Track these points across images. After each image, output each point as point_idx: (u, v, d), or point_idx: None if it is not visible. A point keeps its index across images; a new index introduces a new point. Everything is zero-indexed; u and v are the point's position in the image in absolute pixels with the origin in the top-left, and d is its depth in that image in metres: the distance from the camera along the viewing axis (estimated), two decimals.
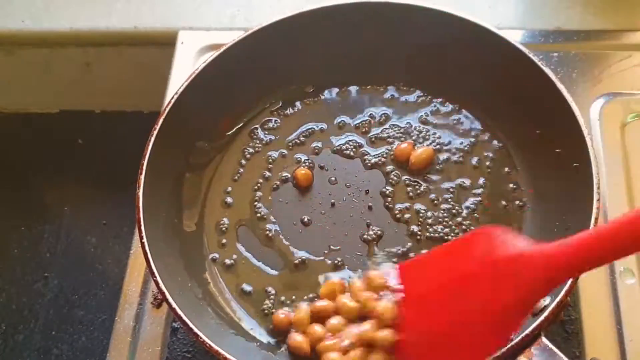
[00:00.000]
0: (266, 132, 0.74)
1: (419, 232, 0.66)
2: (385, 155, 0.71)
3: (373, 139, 0.72)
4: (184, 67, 0.83)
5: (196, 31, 0.88)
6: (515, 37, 0.70)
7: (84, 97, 1.05)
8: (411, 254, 0.64)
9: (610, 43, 0.81)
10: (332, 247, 0.65)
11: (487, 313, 0.47)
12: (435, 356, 0.50)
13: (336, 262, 0.64)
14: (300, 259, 0.65)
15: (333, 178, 0.70)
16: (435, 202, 0.67)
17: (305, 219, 0.68)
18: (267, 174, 0.71)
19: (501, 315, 0.46)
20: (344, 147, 0.72)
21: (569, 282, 0.52)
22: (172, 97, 0.66)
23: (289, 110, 0.75)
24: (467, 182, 0.68)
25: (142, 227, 0.58)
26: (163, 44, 0.89)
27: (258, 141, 0.73)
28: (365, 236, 0.66)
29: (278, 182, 0.70)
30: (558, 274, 0.44)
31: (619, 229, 0.42)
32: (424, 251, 0.64)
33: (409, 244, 0.65)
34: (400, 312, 0.52)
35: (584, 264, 0.43)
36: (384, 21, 0.71)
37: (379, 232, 0.66)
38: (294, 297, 0.63)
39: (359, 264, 0.64)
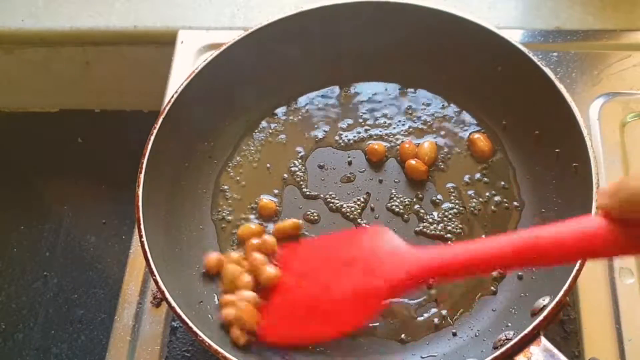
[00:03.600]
0: (265, 132, 0.74)
1: (420, 232, 0.66)
2: (386, 154, 0.71)
3: (375, 137, 0.72)
4: (184, 67, 0.83)
5: (196, 30, 0.88)
6: (514, 36, 0.70)
7: (84, 96, 1.05)
8: None
9: (610, 43, 0.81)
10: None
11: (354, 293, 0.54)
12: (297, 327, 0.56)
13: None
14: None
15: (334, 177, 0.70)
16: (437, 201, 0.67)
17: (311, 218, 0.68)
18: (268, 173, 0.71)
19: (364, 297, 0.53)
20: (344, 144, 0.72)
21: (569, 281, 0.52)
22: (172, 96, 0.66)
23: (289, 110, 0.75)
24: (466, 182, 0.68)
25: (142, 226, 0.58)
26: (163, 43, 0.89)
27: (258, 141, 0.73)
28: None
29: (280, 182, 0.70)
30: (420, 272, 0.51)
31: (481, 251, 0.47)
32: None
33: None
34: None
35: (446, 272, 0.50)
36: (383, 20, 0.71)
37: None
38: None
39: None
